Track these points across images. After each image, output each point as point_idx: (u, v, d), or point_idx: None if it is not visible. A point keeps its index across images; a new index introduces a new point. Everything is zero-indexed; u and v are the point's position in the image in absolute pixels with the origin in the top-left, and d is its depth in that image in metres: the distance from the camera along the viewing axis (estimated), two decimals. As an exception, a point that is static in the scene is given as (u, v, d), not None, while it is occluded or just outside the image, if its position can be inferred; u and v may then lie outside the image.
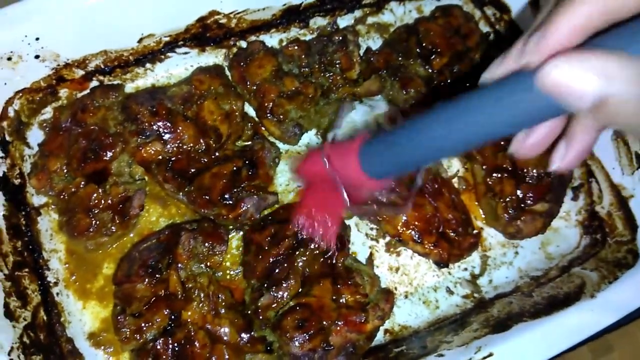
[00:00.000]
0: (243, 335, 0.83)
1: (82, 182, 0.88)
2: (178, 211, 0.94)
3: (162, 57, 0.99)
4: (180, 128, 0.91)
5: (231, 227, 0.92)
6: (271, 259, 0.86)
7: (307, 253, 0.86)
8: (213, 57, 1.02)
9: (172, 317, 0.82)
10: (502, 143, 0.94)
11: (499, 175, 0.94)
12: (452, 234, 0.91)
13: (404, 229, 0.90)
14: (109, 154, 0.90)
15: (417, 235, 0.90)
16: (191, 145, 0.91)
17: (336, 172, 0.69)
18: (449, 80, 1.01)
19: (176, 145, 0.91)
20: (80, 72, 0.94)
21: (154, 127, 0.91)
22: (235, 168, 0.91)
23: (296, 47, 0.99)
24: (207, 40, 1.00)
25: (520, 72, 0.48)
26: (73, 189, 0.88)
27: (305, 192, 0.79)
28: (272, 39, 1.04)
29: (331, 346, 0.81)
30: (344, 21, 1.07)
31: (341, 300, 0.84)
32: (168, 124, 0.91)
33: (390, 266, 0.95)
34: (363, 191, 0.73)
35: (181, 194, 0.90)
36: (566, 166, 0.53)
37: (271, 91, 0.95)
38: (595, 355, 1.01)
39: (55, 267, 0.89)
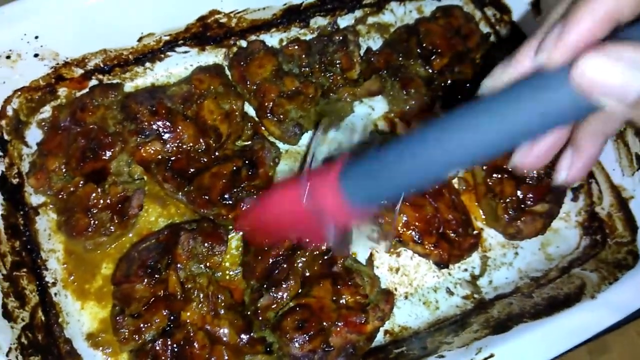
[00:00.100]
0: (243, 336, 0.83)
1: (81, 182, 0.88)
2: (177, 211, 0.94)
3: (162, 56, 0.99)
4: (179, 127, 0.91)
5: (231, 227, 0.92)
6: (271, 260, 0.86)
7: (307, 254, 0.86)
8: (213, 56, 1.02)
9: (171, 317, 0.81)
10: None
11: (499, 175, 0.94)
12: (452, 234, 0.91)
13: (404, 229, 0.90)
14: (108, 153, 0.89)
15: (417, 236, 0.89)
16: (191, 144, 0.91)
17: (316, 204, 0.62)
18: (449, 81, 1.01)
19: (176, 144, 0.91)
20: (80, 71, 0.93)
21: (154, 126, 0.90)
22: (235, 168, 0.90)
23: (296, 47, 0.99)
24: (207, 40, 0.99)
25: (537, 74, 0.43)
26: (72, 189, 0.88)
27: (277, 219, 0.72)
28: (272, 39, 1.04)
29: (331, 347, 0.81)
30: (345, 21, 1.07)
31: (341, 301, 0.84)
32: (168, 123, 0.90)
33: (390, 267, 0.94)
34: (346, 222, 0.66)
35: (180, 193, 0.90)
36: (573, 177, 0.50)
37: (271, 91, 0.95)
38: (592, 356, 1.01)
39: (54, 267, 0.88)
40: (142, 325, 0.81)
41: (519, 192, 0.93)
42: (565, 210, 0.99)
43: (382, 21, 1.10)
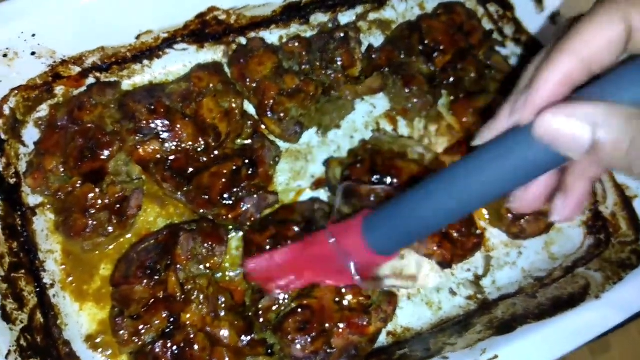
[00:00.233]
0: (243, 337, 0.82)
1: (79, 182, 0.87)
2: (176, 211, 0.93)
3: (160, 53, 0.97)
4: (178, 126, 0.89)
5: (230, 227, 0.91)
6: (272, 260, 0.85)
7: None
8: (212, 53, 1.00)
9: (171, 319, 0.80)
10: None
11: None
12: (455, 234, 0.90)
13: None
14: (106, 152, 0.88)
15: (420, 236, 0.88)
16: (190, 143, 0.90)
17: (343, 251, 0.69)
18: (451, 79, 1.00)
19: (175, 143, 0.90)
20: (77, 69, 0.92)
21: (152, 125, 0.89)
22: (234, 167, 0.89)
23: (297, 44, 0.98)
24: (205, 37, 0.98)
25: (513, 130, 0.50)
26: (69, 189, 0.87)
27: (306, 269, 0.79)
28: (272, 36, 1.03)
29: (333, 349, 0.80)
30: (345, 17, 1.06)
31: (343, 303, 0.83)
32: (166, 122, 0.89)
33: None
34: (372, 267, 0.74)
35: (180, 193, 0.89)
36: (567, 217, 0.56)
37: (271, 89, 0.94)
38: (594, 354, 1.01)
39: (52, 268, 0.87)
40: (141, 326, 0.80)
41: (522, 191, 0.92)
42: (569, 209, 0.98)
43: (384, 17, 1.08)
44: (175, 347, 0.79)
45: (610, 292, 0.84)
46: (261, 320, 0.83)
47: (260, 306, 0.83)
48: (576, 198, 0.55)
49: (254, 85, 0.95)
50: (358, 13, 1.07)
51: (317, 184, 0.97)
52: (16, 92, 0.89)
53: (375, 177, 0.89)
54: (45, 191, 0.87)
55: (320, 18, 1.04)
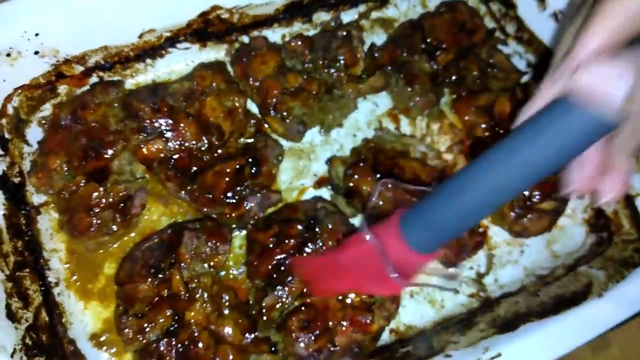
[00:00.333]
0: (247, 335, 0.83)
1: (83, 181, 0.87)
2: (180, 210, 0.93)
3: (163, 52, 0.97)
4: (182, 125, 0.90)
5: (234, 226, 0.91)
6: (275, 259, 0.85)
7: (311, 252, 0.85)
8: (214, 52, 1.01)
9: (176, 317, 0.81)
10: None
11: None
12: (458, 232, 0.90)
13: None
14: (110, 151, 0.88)
15: (423, 235, 0.89)
16: (193, 142, 0.90)
17: (383, 251, 0.66)
18: (454, 77, 1.00)
19: (178, 142, 0.90)
20: (80, 68, 0.92)
21: (156, 124, 0.89)
22: (238, 166, 0.89)
23: (299, 43, 0.98)
24: (208, 36, 0.98)
25: (555, 101, 0.49)
26: (73, 188, 0.87)
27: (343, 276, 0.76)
28: (274, 34, 1.03)
29: (336, 346, 0.81)
30: (348, 16, 1.06)
31: (347, 301, 0.83)
32: (170, 121, 0.89)
33: (395, 265, 0.94)
34: (413, 268, 0.69)
35: (183, 192, 0.89)
36: (613, 197, 0.57)
37: (274, 87, 0.94)
38: (594, 351, 1.02)
39: (56, 267, 0.88)
40: (146, 325, 0.80)
41: (525, 190, 0.92)
42: (571, 207, 0.99)
43: (386, 16, 1.08)
44: (179, 345, 0.79)
45: (613, 291, 0.84)
46: (265, 318, 0.83)
47: (263, 304, 0.83)
48: (621, 176, 0.55)
49: (257, 84, 0.95)
50: (360, 11, 1.07)
51: (320, 183, 0.97)
52: (20, 91, 0.89)
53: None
54: (49, 190, 0.88)
55: (322, 16, 1.04)
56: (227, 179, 0.88)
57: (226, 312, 0.83)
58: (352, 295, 0.83)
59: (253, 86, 0.95)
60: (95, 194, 0.86)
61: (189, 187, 0.89)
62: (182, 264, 0.83)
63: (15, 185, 0.88)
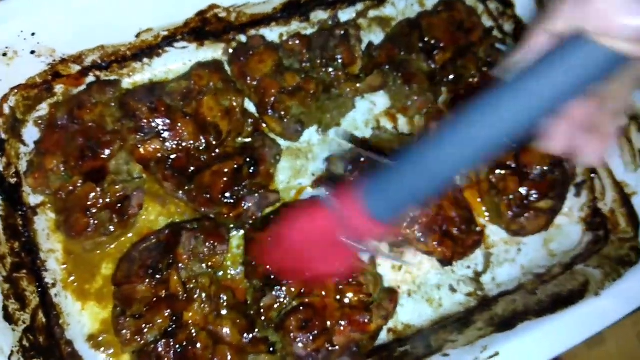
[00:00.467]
0: (245, 335, 0.82)
1: (80, 181, 0.86)
2: (177, 210, 0.93)
3: (160, 51, 0.97)
4: (179, 125, 0.89)
5: (232, 226, 0.91)
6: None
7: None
8: (212, 51, 1.00)
9: (174, 318, 0.81)
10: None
11: (503, 172, 0.94)
12: (455, 232, 0.90)
13: (408, 227, 0.89)
14: (107, 151, 0.88)
15: (421, 234, 0.89)
16: (191, 142, 0.90)
17: (342, 218, 0.64)
18: (452, 76, 1.00)
19: (175, 142, 0.90)
20: (77, 68, 0.92)
21: (153, 124, 0.89)
22: (236, 166, 0.89)
23: (297, 42, 0.97)
24: (206, 35, 0.98)
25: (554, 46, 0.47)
26: (70, 188, 0.86)
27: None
28: (272, 33, 1.02)
29: (335, 346, 0.81)
30: (345, 15, 1.05)
31: (345, 300, 0.83)
32: (167, 120, 0.89)
33: (394, 265, 0.94)
34: (372, 236, 0.69)
35: (181, 192, 0.89)
36: (593, 159, 0.55)
37: (272, 87, 0.94)
38: (589, 347, 1.02)
39: (53, 267, 0.87)
40: (144, 326, 0.80)
41: (522, 189, 0.92)
42: (568, 206, 0.99)
43: (384, 15, 1.08)
44: (177, 346, 0.79)
45: (610, 289, 0.84)
46: (263, 318, 0.83)
47: (262, 304, 0.83)
48: (605, 137, 0.53)
49: (255, 83, 0.95)
50: (358, 10, 1.06)
51: (318, 182, 0.97)
52: (16, 91, 0.88)
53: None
54: (46, 190, 0.87)
55: (320, 15, 1.04)
56: (224, 178, 0.88)
57: (224, 312, 0.83)
58: (350, 295, 0.84)
59: (251, 85, 0.95)
60: (93, 194, 0.86)
61: (186, 187, 0.88)
62: (180, 265, 0.83)
63: (11, 185, 0.88)
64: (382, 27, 1.07)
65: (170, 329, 0.80)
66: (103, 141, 0.88)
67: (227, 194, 0.88)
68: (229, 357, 0.80)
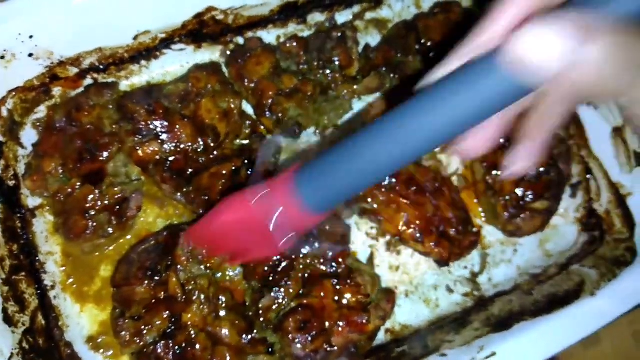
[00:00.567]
0: (244, 336, 0.83)
1: (78, 183, 0.87)
2: (176, 212, 0.93)
3: (158, 54, 0.97)
4: (177, 127, 0.90)
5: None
6: (271, 260, 0.85)
7: (308, 253, 0.86)
8: (209, 53, 1.00)
9: (173, 319, 0.81)
10: (501, 141, 0.94)
11: (499, 173, 0.94)
12: (452, 232, 0.91)
13: (405, 228, 0.90)
14: (105, 154, 0.88)
15: (418, 235, 0.89)
16: (189, 144, 0.90)
17: (269, 210, 0.63)
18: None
19: (174, 144, 0.90)
20: (75, 70, 0.92)
21: (151, 126, 0.89)
22: (234, 168, 0.89)
23: (294, 44, 0.98)
24: (203, 37, 0.98)
25: (467, 64, 0.46)
26: (69, 190, 0.87)
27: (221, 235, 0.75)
28: (269, 35, 1.03)
29: (333, 347, 0.81)
30: (342, 17, 1.06)
31: (343, 301, 0.84)
32: (165, 123, 0.89)
33: (391, 265, 0.95)
34: (303, 227, 0.68)
35: (179, 194, 0.89)
36: (518, 172, 0.52)
37: (269, 89, 0.94)
38: (585, 347, 1.03)
39: (52, 270, 0.87)
40: (143, 327, 0.80)
41: (518, 190, 0.93)
42: (564, 206, 1.00)
43: (380, 17, 1.08)
44: (177, 347, 0.80)
45: (606, 289, 0.85)
46: (262, 319, 0.83)
47: (260, 305, 0.84)
48: (532, 149, 0.50)
49: (252, 85, 0.95)
50: (355, 12, 1.07)
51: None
52: (14, 93, 0.88)
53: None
54: (45, 193, 0.87)
55: (317, 18, 1.04)
56: (223, 180, 0.89)
57: (223, 313, 0.84)
58: (348, 296, 0.84)
59: (248, 87, 0.95)
60: (91, 196, 0.86)
61: (184, 189, 0.89)
62: (179, 266, 0.83)
63: (10, 188, 0.88)
64: (378, 29, 1.08)
65: (169, 330, 0.81)
66: (101, 143, 0.88)
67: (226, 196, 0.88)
68: (228, 358, 0.81)
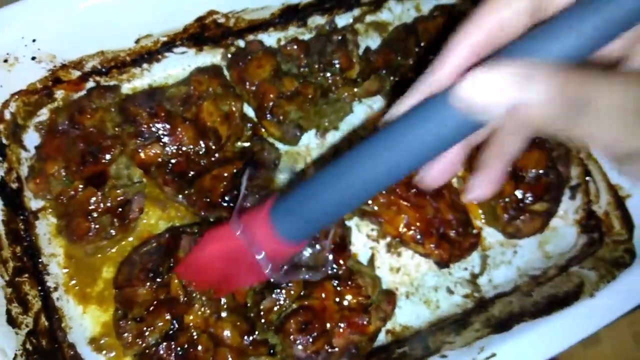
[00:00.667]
0: (246, 338, 0.83)
1: (81, 186, 0.87)
2: (177, 214, 0.94)
3: (159, 57, 0.98)
4: (179, 130, 0.90)
5: (231, 229, 0.92)
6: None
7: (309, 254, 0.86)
8: (210, 56, 1.01)
9: (174, 321, 0.82)
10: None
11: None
12: (452, 234, 0.91)
13: (405, 230, 0.90)
14: (107, 156, 0.89)
15: (418, 236, 0.90)
16: (191, 147, 0.91)
17: (252, 242, 0.67)
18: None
19: (175, 147, 0.90)
20: (77, 73, 0.92)
21: (153, 129, 0.90)
22: (235, 170, 0.90)
23: (295, 47, 0.98)
24: (204, 40, 0.99)
25: (425, 101, 0.49)
26: (71, 193, 0.87)
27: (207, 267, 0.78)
28: (270, 38, 1.03)
29: (334, 348, 0.82)
30: (342, 20, 1.06)
31: (344, 302, 0.85)
32: (167, 125, 0.90)
33: (391, 267, 0.95)
34: (283, 258, 0.71)
35: (181, 196, 0.90)
36: (479, 197, 0.54)
37: (270, 91, 0.95)
38: (585, 347, 1.03)
39: (55, 271, 0.88)
40: (145, 329, 0.81)
41: (517, 192, 0.93)
42: (563, 208, 1.00)
43: (380, 20, 1.09)
44: (179, 349, 0.80)
45: (605, 290, 0.85)
46: (263, 320, 0.84)
47: (261, 307, 0.84)
48: (491, 176, 0.53)
49: (253, 88, 0.96)
50: (355, 15, 1.07)
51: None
52: (17, 96, 0.89)
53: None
54: (47, 195, 0.88)
55: (317, 21, 1.05)
56: (224, 182, 0.89)
57: (224, 315, 0.84)
58: (349, 297, 0.85)
59: (249, 90, 0.96)
60: (93, 198, 0.86)
61: (186, 191, 0.89)
62: (181, 268, 0.84)
63: (13, 191, 0.88)
64: (379, 32, 1.08)
65: (171, 331, 0.81)
66: (103, 146, 0.89)
67: (227, 198, 0.89)
68: (230, 359, 0.81)
